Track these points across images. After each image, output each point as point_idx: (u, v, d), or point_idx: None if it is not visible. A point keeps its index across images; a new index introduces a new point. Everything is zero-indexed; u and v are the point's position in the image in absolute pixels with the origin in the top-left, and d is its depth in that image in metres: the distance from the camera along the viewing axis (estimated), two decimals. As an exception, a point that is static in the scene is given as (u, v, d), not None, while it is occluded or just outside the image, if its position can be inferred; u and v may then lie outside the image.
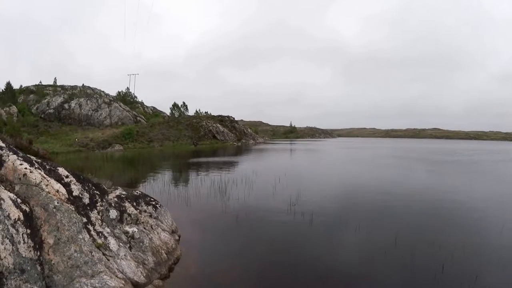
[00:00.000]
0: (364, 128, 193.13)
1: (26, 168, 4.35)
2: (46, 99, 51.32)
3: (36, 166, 4.60)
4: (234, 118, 65.39)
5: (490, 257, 5.53)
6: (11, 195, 3.82)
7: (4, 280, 3.00)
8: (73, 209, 4.36)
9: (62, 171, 5.02)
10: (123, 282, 4.00)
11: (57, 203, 4.16)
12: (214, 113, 67.77)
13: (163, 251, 5.24)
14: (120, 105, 55.22)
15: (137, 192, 6.54)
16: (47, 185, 4.30)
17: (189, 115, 65.84)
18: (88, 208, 4.78)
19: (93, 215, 4.76)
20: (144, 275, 4.44)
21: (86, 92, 59.21)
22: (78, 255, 3.86)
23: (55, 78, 64.29)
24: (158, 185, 12.32)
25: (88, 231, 4.34)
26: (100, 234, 4.53)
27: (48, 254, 3.71)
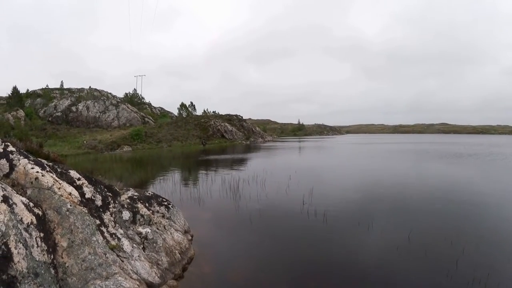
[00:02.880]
0: (373, 124, 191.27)
1: (37, 172, 4.32)
2: (53, 103, 51.84)
3: (48, 170, 4.58)
4: (242, 117, 65.28)
5: (503, 253, 5.37)
6: (23, 199, 3.79)
7: (18, 284, 2.95)
8: (86, 211, 4.32)
9: (73, 173, 5.00)
10: (137, 283, 3.95)
11: (70, 205, 4.13)
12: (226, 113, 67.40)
13: (176, 251, 5.19)
14: (127, 107, 55.63)
15: (149, 193, 6.50)
16: (59, 188, 4.27)
17: (197, 115, 65.85)
18: (101, 210, 4.75)
19: (106, 217, 4.72)
20: (159, 275, 4.39)
21: (93, 95, 59.75)
22: (92, 257, 3.81)
23: (62, 81, 65.35)
24: (169, 185, 12.30)
25: (102, 233, 4.29)
26: (114, 236, 4.48)
27: (62, 257, 3.67)
